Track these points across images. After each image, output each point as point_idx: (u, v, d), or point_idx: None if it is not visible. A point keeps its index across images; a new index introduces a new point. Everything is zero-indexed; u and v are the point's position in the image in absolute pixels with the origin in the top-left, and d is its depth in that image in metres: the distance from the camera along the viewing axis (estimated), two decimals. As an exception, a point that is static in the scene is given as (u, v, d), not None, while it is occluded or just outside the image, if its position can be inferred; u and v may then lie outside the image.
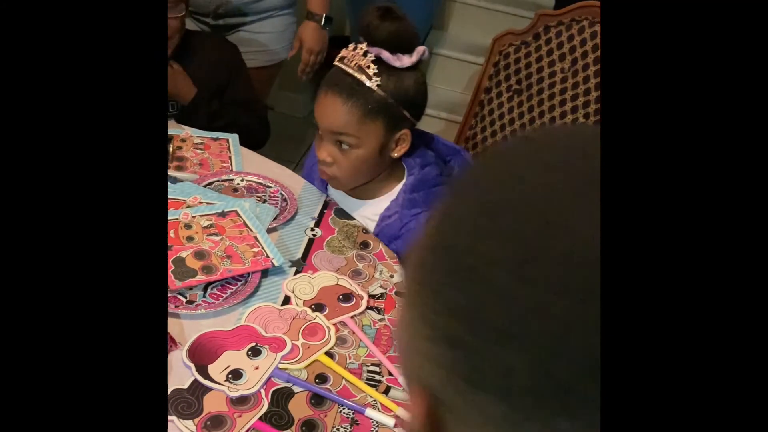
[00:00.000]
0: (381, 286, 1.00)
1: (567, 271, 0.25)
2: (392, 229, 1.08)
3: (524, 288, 0.25)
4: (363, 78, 0.98)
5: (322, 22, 1.61)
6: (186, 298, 0.91)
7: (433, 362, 0.28)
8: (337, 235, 1.09)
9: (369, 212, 1.12)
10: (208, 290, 0.93)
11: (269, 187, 1.17)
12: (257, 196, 1.14)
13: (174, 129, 1.26)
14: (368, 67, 0.98)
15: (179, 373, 0.81)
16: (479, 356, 0.25)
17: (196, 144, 1.24)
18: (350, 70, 0.99)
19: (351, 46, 1.01)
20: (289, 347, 0.86)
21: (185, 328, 0.87)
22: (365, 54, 0.98)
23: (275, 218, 1.08)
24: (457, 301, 0.26)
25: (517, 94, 1.43)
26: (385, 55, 0.97)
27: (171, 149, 1.18)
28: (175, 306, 0.89)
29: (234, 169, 1.20)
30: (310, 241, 1.07)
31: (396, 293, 0.99)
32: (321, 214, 1.13)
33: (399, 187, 1.09)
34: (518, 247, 0.25)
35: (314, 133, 1.08)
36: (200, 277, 0.92)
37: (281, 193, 1.15)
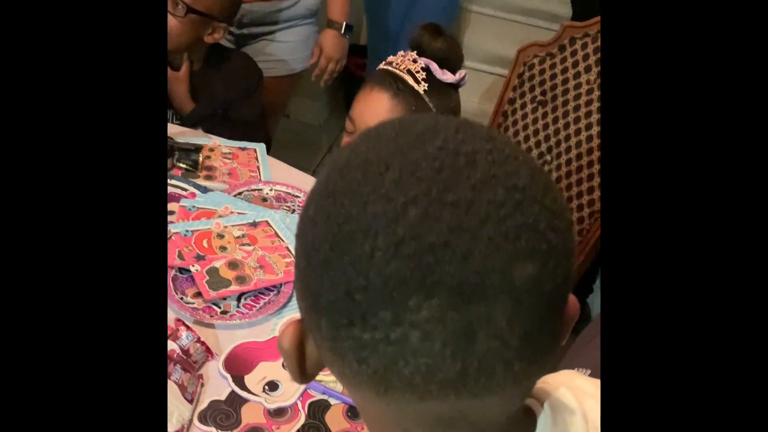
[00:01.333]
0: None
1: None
2: None
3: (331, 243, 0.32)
4: (411, 81, 1.00)
5: (342, 30, 1.62)
6: (220, 308, 0.91)
7: (298, 294, 0.36)
8: (367, 245, 1.09)
9: None
10: (242, 300, 0.93)
11: (297, 196, 1.17)
12: (286, 206, 1.14)
13: (202, 138, 1.26)
14: (417, 72, 1.00)
15: (216, 385, 0.81)
16: (312, 284, 0.33)
17: (225, 153, 1.24)
18: (399, 72, 1.01)
19: (400, 53, 1.03)
20: (323, 359, 0.86)
21: (220, 338, 0.88)
22: (414, 61, 1.01)
23: (305, 228, 1.09)
24: (304, 236, 0.34)
25: (542, 105, 1.43)
26: (434, 66, 1.00)
27: (201, 158, 1.19)
28: (210, 316, 0.89)
29: (262, 179, 1.20)
30: (340, 252, 1.07)
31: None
32: (350, 225, 1.13)
33: None
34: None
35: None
36: (234, 288, 0.93)
37: (310, 203, 1.16)
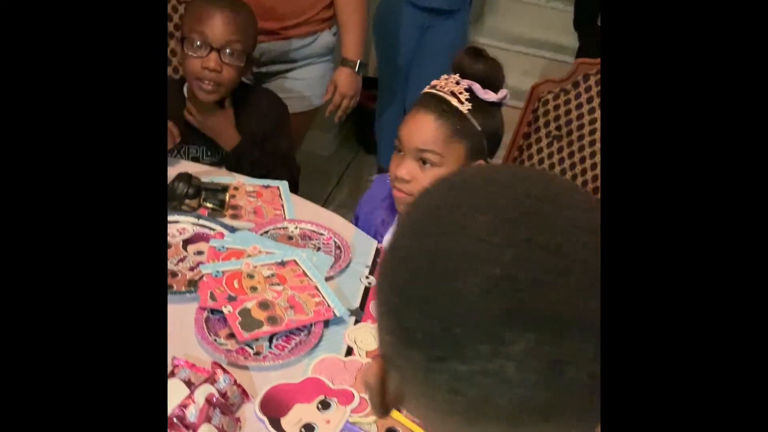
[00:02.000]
0: (440, 336, 1.01)
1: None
2: None
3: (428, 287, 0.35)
4: (455, 101, 1.06)
5: (357, 68, 1.65)
6: (253, 349, 0.92)
7: (382, 330, 0.38)
8: (392, 283, 1.10)
9: None
10: (274, 341, 0.94)
11: (322, 234, 1.19)
12: (312, 244, 1.16)
13: (226, 177, 1.29)
14: (460, 93, 1.06)
15: (253, 427, 0.82)
16: (406, 320, 0.36)
17: (249, 192, 1.26)
18: (442, 94, 1.07)
19: (444, 77, 1.09)
20: (357, 400, 0.87)
21: (254, 380, 0.89)
22: (458, 83, 1.07)
23: (331, 267, 1.10)
24: (395, 277, 0.37)
25: (557, 140, 1.46)
26: (476, 87, 1.06)
27: (227, 198, 1.21)
28: (244, 358, 0.90)
29: (287, 217, 1.22)
30: (367, 290, 1.08)
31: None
32: (374, 262, 1.15)
33: None
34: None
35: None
36: (266, 328, 0.94)
37: (334, 241, 1.17)
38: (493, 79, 1.08)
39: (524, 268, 0.33)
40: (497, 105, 1.09)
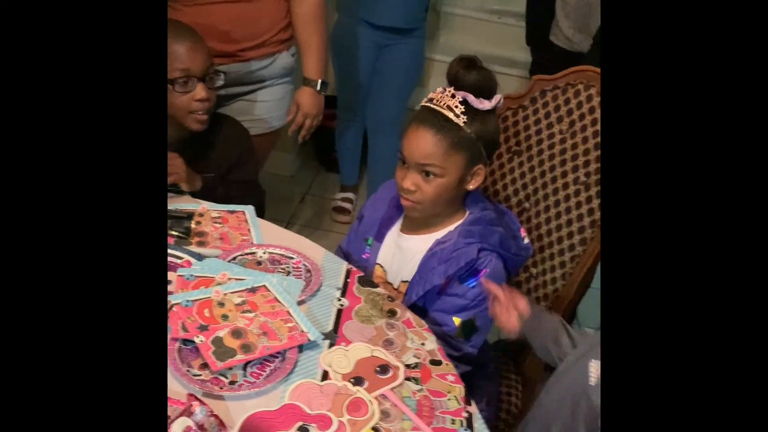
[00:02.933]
0: (414, 356, 1.02)
1: None
2: (445, 252, 1.17)
3: None
4: (451, 116, 1.12)
5: (318, 87, 1.66)
6: (228, 378, 0.91)
7: None
8: (364, 304, 1.11)
9: (428, 242, 1.21)
10: (248, 369, 0.94)
11: (291, 258, 1.19)
12: (281, 269, 1.15)
13: (190, 204, 1.27)
14: (456, 107, 1.12)
15: (232, 459, 0.81)
16: None
17: (214, 218, 1.25)
18: (439, 109, 1.13)
19: (439, 90, 1.15)
20: (335, 425, 0.87)
21: (231, 409, 0.88)
22: (453, 96, 1.12)
23: (302, 290, 1.10)
24: None
25: (517, 155, 1.49)
26: (470, 98, 1.12)
27: (192, 225, 1.19)
28: (219, 388, 0.89)
29: (255, 242, 1.21)
30: (339, 312, 1.09)
31: (430, 362, 1.01)
32: (345, 284, 1.15)
33: (459, 223, 1.21)
34: None
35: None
36: (240, 357, 0.93)
37: (304, 264, 1.17)
38: (486, 87, 1.13)
39: None
40: (492, 111, 1.15)
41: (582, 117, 1.40)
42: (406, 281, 1.21)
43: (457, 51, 2.83)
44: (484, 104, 1.13)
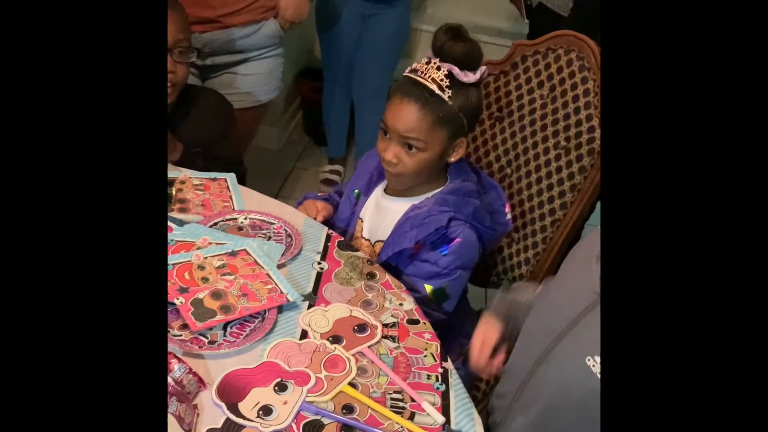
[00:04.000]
0: (392, 315, 1.04)
1: None
2: (418, 217, 1.17)
3: None
4: (436, 89, 1.10)
5: None
6: (207, 338, 0.93)
7: None
8: (344, 267, 1.12)
9: (407, 206, 1.22)
10: (228, 329, 0.95)
11: (272, 223, 1.20)
12: (262, 234, 1.17)
13: (172, 171, 1.28)
14: (441, 80, 1.10)
15: (211, 413, 0.83)
16: None
17: (196, 185, 1.26)
18: (425, 82, 1.11)
19: (424, 60, 1.13)
20: (313, 381, 0.89)
21: (210, 368, 0.89)
22: (438, 68, 1.10)
23: (282, 254, 1.11)
24: None
25: (499, 121, 1.50)
26: (456, 71, 1.10)
27: (173, 192, 1.20)
28: (199, 347, 0.91)
29: (236, 208, 1.22)
30: (319, 275, 1.10)
31: (408, 321, 1.03)
32: (325, 248, 1.17)
33: (437, 190, 1.21)
34: None
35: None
36: (220, 317, 0.95)
37: (285, 229, 1.18)
38: (471, 59, 1.11)
39: None
40: (476, 85, 1.14)
41: (562, 81, 1.40)
42: (382, 241, 1.22)
43: (444, 21, 2.82)
44: (470, 77, 1.11)
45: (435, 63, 1.11)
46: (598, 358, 0.79)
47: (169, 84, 1.28)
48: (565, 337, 0.85)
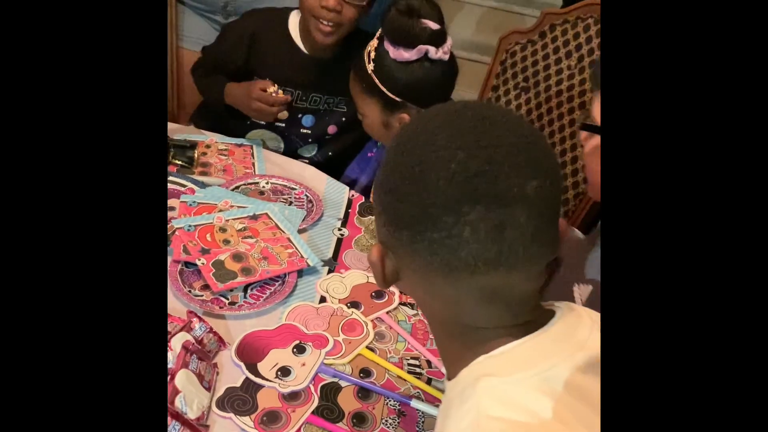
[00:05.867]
0: (411, 282, 1.04)
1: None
2: None
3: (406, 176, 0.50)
4: (365, 60, 1.09)
5: None
6: (228, 299, 0.94)
7: (380, 224, 0.53)
8: (364, 233, 1.13)
9: None
10: (248, 291, 0.96)
11: (294, 189, 1.20)
12: (283, 199, 1.17)
13: (198, 135, 1.28)
14: (370, 52, 1.08)
15: (230, 372, 0.84)
16: (397, 210, 0.50)
17: (221, 150, 1.26)
18: (364, 51, 1.10)
19: (380, 30, 1.09)
20: (331, 344, 0.90)
21: (230, 328, 0.91)
22: (376, 39, 1.08)
23: (303, 219, 1.12)
24: (385, 185, 0.52)
25: (525, 91, 1.47)
26: (387, 45, 1.06)
27: (195, 155, 1.21)
28: (219, 308, 0.92)
29: (257, 173, 1.22)
30: (339, 241, 1.10)
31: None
32: (346, 214, 1.17)
33: None
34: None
35: None
36: (240, 279, 0.95)
37: (306, 195, 1.19)
38: (405, 35, 1.04)
39: (473, 163, 0.47)
40: (419, 63, 1.06)
41: (591, 52, 1.37)
42: None
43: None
44: (402, 55, 1.04)
45: (379, 33, 1.08)
46: (584, 286, 0.81)
47: (330, 23, 1.17)
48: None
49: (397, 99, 1.08)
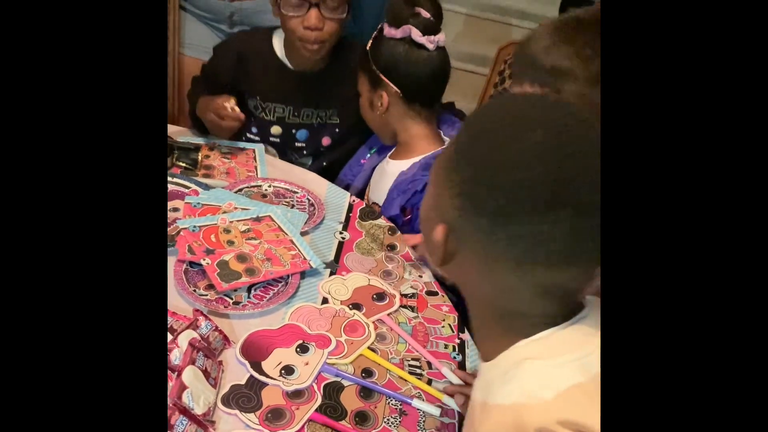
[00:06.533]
0: (411, 287, 1.06)
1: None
2: (404, 183, 1.19)
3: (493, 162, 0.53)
4: (370, 39, 1.20)
5: None
6: (232, 299, 0.96)
7: (448, 206, 0.55)
8: (365, 237, 1.14)
9: (397, 169, 1.23)
10: (252, 291, 0.98)
11: (296, 192, 1.22)
12: (285, 202, 1.19)
13: (201, 138, 1.30)
14: (376, 33, 1.20)
15: (235, 370, 0.86)
16: (480, 196, 0.53)
17: (224, 153, 1.28)
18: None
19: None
20: (334, 343, 0.91)
21: (235, 327, 0.92)
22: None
23: (305, 222, 1.13)
24: (466, 171, 0.54)
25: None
26: (385, 25, 1.17)
27: (200, 157, 1.22)
28: (224, 307, 0.93)
29: (260, 176, 1.24)
30: (340, 244, 1.12)
31: (426, 293, 1.05)
32: (347, 218, 1.19)
33: (429, 153, 1.21)
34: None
35: None
36: (244, 279, 0.97)
37: (308, 198, 1.20)
38: (396, 15, 1.15)
39: (558, 167, 0.50)
40: (408, 44, 1.15)
41: (587, 64, 1.40)
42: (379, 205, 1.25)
43: (473, 3, 2.79)
44: (390, 32, 1.16)
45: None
46: None
47: (315, 42, 1.21)
48: None
49: (380, 75, 1.18)
